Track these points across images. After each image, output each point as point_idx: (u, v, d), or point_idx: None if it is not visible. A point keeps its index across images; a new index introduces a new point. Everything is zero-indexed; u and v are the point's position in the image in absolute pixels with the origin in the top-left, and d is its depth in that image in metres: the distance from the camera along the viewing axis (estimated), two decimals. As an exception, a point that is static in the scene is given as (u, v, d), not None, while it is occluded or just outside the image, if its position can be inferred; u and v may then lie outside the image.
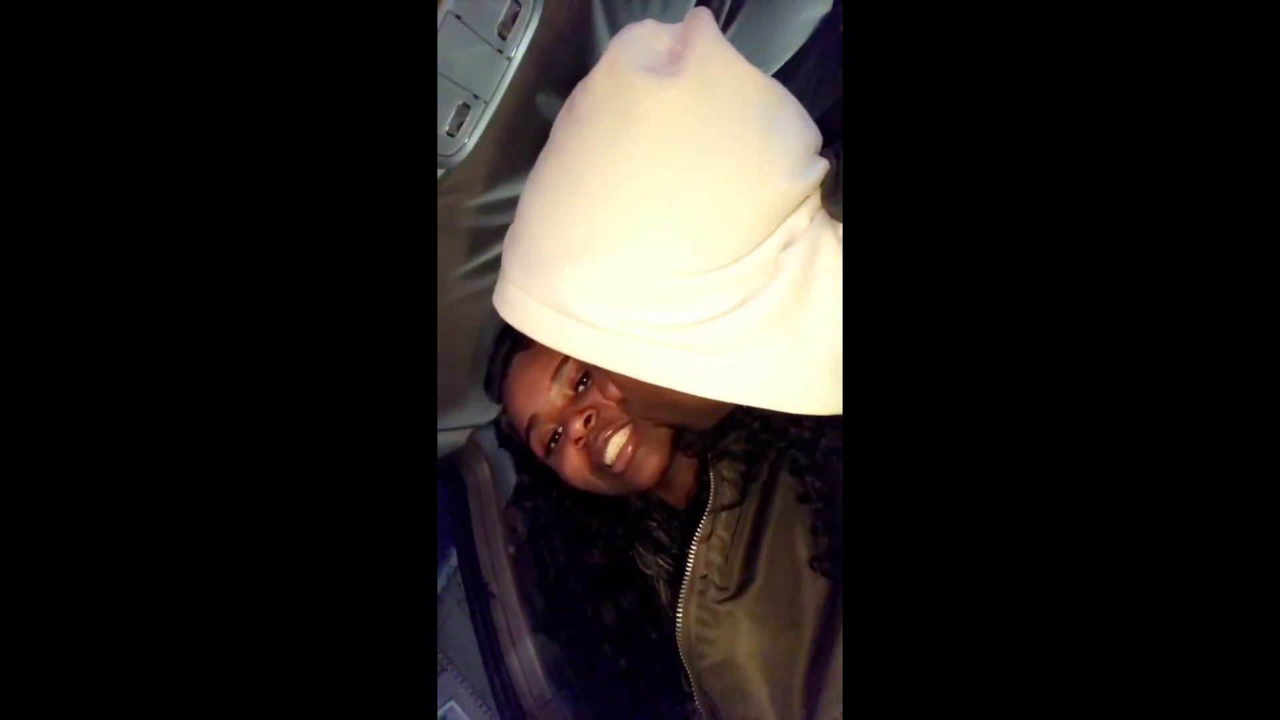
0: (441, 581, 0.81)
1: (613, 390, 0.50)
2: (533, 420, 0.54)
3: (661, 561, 0.61)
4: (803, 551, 0.49)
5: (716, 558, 0.51)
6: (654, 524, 0.62)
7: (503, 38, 0.44)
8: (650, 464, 0.51)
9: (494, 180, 0.52)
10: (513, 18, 0.43)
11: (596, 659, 0.60)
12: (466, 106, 0.45)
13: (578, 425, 0.52)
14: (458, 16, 0.40)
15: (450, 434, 0.76)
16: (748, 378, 0.41)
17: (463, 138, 0.46)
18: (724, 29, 0.63)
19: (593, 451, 0.52)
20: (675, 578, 0.54)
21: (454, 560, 0.79)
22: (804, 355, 0.41)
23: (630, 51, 0.40)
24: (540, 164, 0.44)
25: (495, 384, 0.60)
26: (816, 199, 0.43)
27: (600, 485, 0.54)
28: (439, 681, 0.78)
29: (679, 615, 0.52)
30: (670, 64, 0.40)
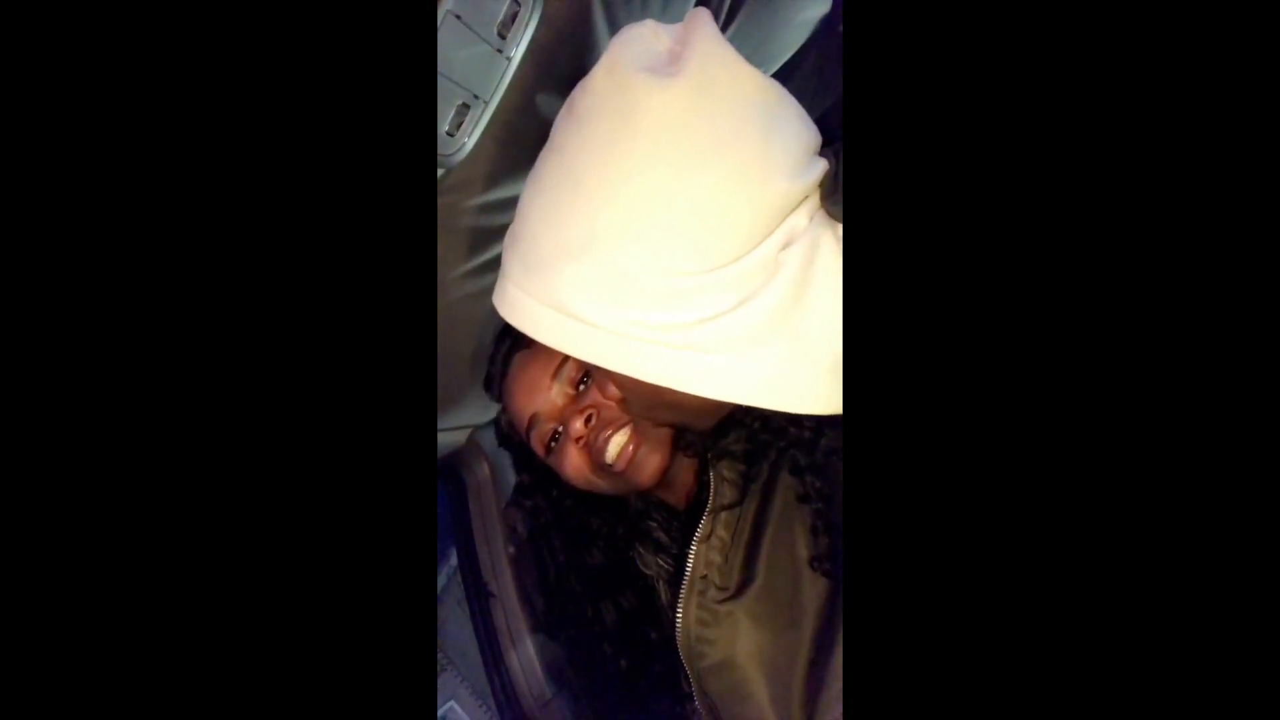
0: (441, 581, 0.81)
1: (613, 390, 0.50)
2: (533, 419, 0.54)
3: (661, 561, 0.61)
4: (803, 551, 0.49)
5: (716, 558, 0.51)
6: (654, 524, 0.62)
7: (502, 37, 0.44)
8: (651, 464, 0.51)
9: (494, 180, 0.52)
10: (512, 17, 0.43)
11: (596, 659, 0.60)
12: (466, 106, 0.45)
13: (578, 424, 0.52)
14: (457, 16, 0.40)
15: (450, 434, 0.76)
16: (747, 377, 0.41)
17: (462, 137, 0.46)
18: (723, 29, 0.63)
19: (593, 451, 0.52)
20: (675, 578, 0.54)
21: (454, 560, 0.79)
22: (803, 355, 0.41)
23: (630, 51, 0.40)
24: (540, 163, 0.44)
25: (495, 383, 0.60)
26: (816, 199, 0.43)
27: (601, 485, 0.54)
28: (439, 681, 0.78)
29: (679, 615, 0.52)
30: (670, 64, 0.40)
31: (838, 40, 0.72)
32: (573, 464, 0.53)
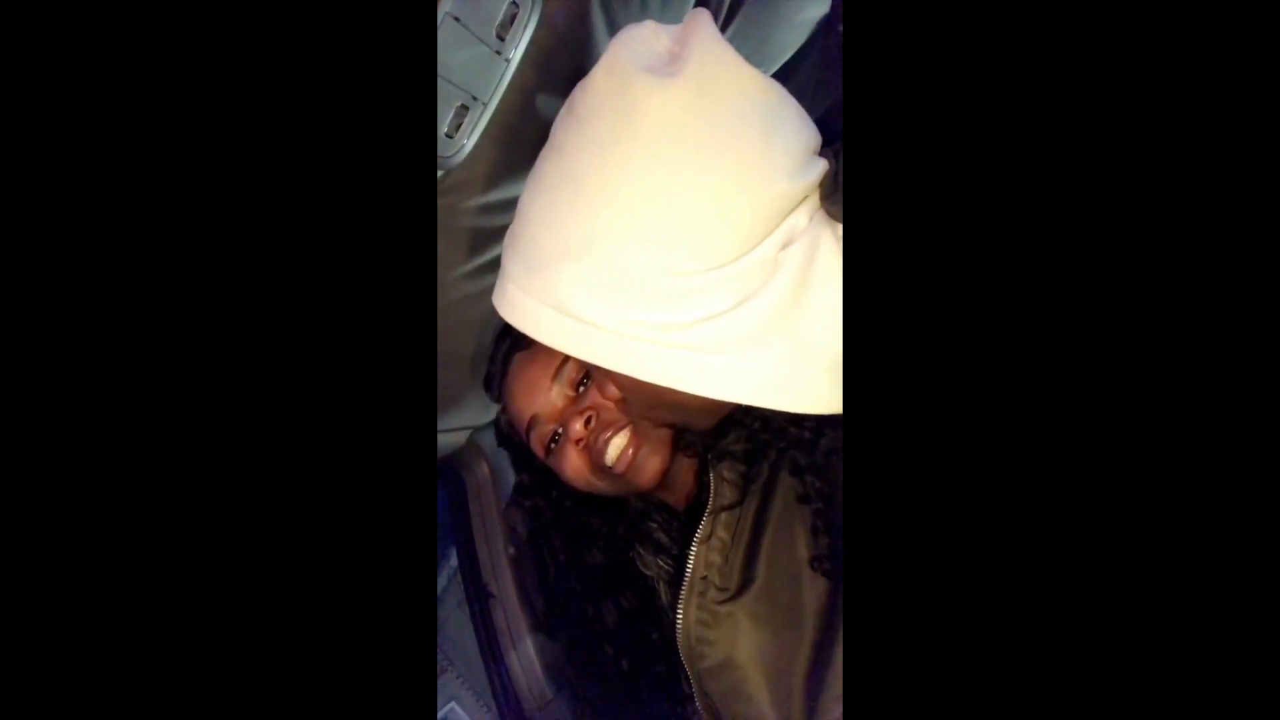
0: (442, 582, 0.81)
1: (613, 390, 0.50)
2: (533, 421, 0.54)
3: (661, 562, 0.61)
4: (803, 552, 0.49)
5: (716, 558, 0.51)
6: (654, 524, 0.62)
7: (501, 39, 0.44)
8: (651, 465, 0.51)
9: (493, 181, 0.52)
10: (511, 19, 0.43)
11: (597, 660, 0.60)
12: (465, 108, 0.45)
13: (578, 426, 0.52)
14: (456, 18, 0.40)
15: (450, 434, 0.76)
16: (747, 377, 0.41)
17: (462, 139, 0.46)
18: (723, 29, 0.63)
19: (593, 453, 0.52)
20: (675, 579, 0.54)
21: (454, 561, 0.79)
22: (803, 355, 0.41)
23: (630, 52, 0.40)
24: (540, 163, 0.44)
25: (495, 384, 0.60)
26: (815, 199, 0.43)
27: (600, 486, 0.54)
28: (439, 683, 0.77)
29: (679, 616, 0.51)
30: (670, 64, 0.40)
31: (838, 40, 0.72)
32: (572, 466, 0.53)
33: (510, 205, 0.46)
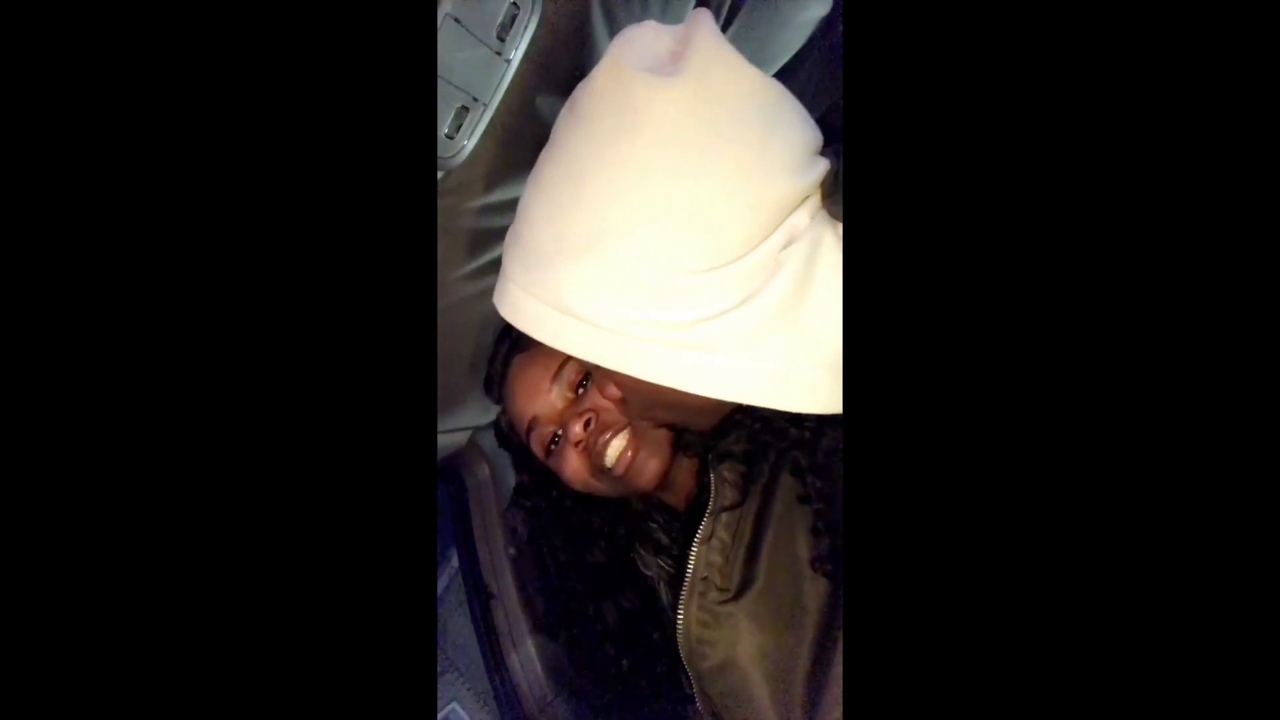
0: (442, 583, 0.81)
1: (613, 390, 0.50)
2: (533, 422, 0.54)
3: (662, 563, 0.61)
4: (803, 552, 0.49)
5: (717, 559, 0.51)
6: (655, 525, 0.62)
7: (501, 40, 0.44)
8: (650, 467, 0.51)
9: (493, 182, 0.52)
10: (511, 20, 0.43)
11: (598, 660, 0.60)
12: (465, 109, 0.45)
13: (577, 428, 0.52)
14: (456, 19, 0.40)
15: (450, 435, 0.76)
16: (749, 377, 0.41)
17: (462, 140, 0.46)
18: (724, 29, 0.63)
19: (593, 454, 0.52)
20: (676, 579, 0.54)
21: (455, 562, 0.79)
22: (804, 354, 0.41)
23: (631, 51, 0.40)
24: (541, 163, 0.44)
25: (495, 385, 0.60)
26: (817, 198, 0.43)
27: (600, 488, 0.54)
28: (440, 684, 0.78)
29: (679, 617, 0.51)
30: (671, 64, 0.40)
31: (838, 40, 0.72)
32: (572, 467, 0.53)
33: (511, 206, 0.46)
